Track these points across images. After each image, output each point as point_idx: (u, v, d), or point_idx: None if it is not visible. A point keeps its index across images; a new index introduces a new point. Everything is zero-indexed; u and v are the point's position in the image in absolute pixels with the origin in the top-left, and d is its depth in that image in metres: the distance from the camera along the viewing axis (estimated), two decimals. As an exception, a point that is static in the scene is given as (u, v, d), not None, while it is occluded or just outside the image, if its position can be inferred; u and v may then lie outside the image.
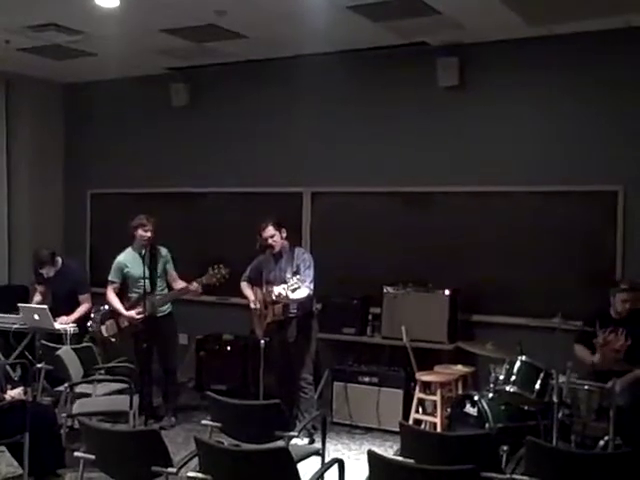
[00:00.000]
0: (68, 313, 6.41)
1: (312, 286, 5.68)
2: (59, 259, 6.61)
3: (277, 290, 5.53)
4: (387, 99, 6.78)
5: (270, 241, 5.76)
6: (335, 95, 7.00)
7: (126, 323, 6.12)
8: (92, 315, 6.34)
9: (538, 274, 6.14)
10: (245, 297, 6.02)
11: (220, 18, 5.89)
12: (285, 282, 5.56)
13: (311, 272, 5.71)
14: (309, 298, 5.73)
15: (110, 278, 6.21)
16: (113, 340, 6.18)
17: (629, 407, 4.77)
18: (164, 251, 6.25)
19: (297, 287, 5.47)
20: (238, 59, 7.13)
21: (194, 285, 5.99)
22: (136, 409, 5.13)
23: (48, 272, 6.54)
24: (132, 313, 6.06)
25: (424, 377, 5.85)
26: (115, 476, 3.84)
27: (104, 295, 6.23)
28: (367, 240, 6.81)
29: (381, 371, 6.23)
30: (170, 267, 6.24)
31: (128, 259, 6.19)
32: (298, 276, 5.56)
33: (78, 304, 6.49)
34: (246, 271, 6.07)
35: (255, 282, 5.99)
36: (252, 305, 5.88)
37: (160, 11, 5.74)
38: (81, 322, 6.39)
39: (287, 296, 5.50)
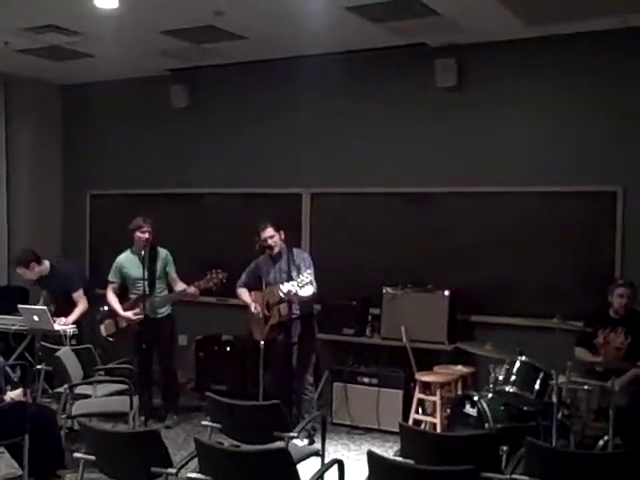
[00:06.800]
0: (68, 313, 6.39)
1: (315, 284, 5.68)
2: (46, 262, 6.51)
3: (286, 287, 5.49)
4: (386, 100, 6.79)
5: (270, 242, 5.75)
6: (334, 96, 7.00)
7: (124, 323, 6.16)
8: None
9: (537, 274, 6.14)
10: (244, 302, 6.01)
11: (219, 19, 5.89)
12: (290, 281, 5.54)
13: (312, 271, 5.71)
14: (313, 297, 5.72)
15: (109, 278, 6.30)
16: (111, 340, 6.21)
17: (629, 407, 4.77)
18: (164, 253, 6.25)
19: (307, 282, 5.45)
20: (237, 60, 7.13)
21: (192, 289, 6.01)
22: (136, 410, 5.14)
23: (25, 274, 6.49)
24: (129, 314, 6.11)
25: (424, 377, 5.86)
26: (115, 477, 3.84)
27: (104, 296, 6.26)
28: (366, 241, 6.80)
29: (381, 372, 6.23)
30: (170, 269, 6.25)
31: (126, 260, 6.25)
32: (309, 271, 5.56)
33: (75, 303, 6.49)
34: (241, 277, 6.05)
35: (253, 286, 5.97)
36: (253, 309, 5.86)
37: (159, 12, 5.75)
38: (81, 322, 6.38)
39: (296, 293, 5.48)
